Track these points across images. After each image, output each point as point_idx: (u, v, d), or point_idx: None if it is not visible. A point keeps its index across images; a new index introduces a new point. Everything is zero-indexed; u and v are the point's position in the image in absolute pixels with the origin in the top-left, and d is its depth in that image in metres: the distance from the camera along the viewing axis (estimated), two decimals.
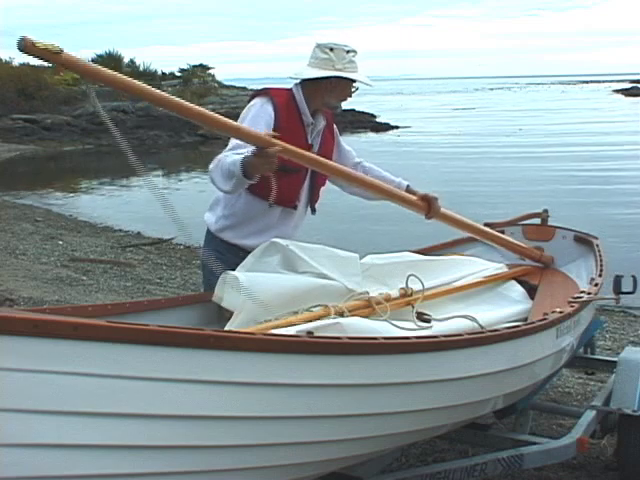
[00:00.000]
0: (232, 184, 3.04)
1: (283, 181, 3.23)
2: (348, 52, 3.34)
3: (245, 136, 2.93)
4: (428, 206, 3.59)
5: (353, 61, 3.37)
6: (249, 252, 3.26)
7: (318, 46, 3.36)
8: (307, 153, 3.16)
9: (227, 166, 3.03)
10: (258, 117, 3.25)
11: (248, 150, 2.97)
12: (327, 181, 3.59)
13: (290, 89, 3.42)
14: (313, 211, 3.60)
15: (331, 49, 3.33)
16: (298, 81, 3.42)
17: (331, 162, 3.34)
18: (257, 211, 3.38)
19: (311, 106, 3.39)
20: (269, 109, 3.26)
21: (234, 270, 3.07)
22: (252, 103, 3.34)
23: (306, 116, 3.37)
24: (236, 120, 3.31)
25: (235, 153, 3.08)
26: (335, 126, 3.66)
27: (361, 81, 3.40)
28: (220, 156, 3.14)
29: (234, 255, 3.34)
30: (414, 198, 3.58)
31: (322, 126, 3.48)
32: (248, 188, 3.28)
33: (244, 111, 3.34)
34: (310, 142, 3.41)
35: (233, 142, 3.19)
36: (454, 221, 3.86)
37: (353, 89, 3.44)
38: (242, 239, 3.42)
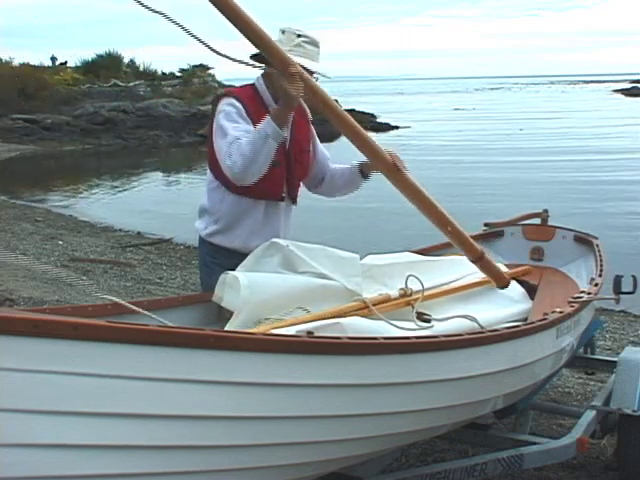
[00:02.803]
0: (266, 148, 3.05)
1: (266, 175, 3.24)
2: (299, 36, 3.25)
3: (267, 47, 2.89)
4: (394, 161, 3.26)
5: (302, 46, 3.26)
6: (241, 254, 3.28)
7: (279, 30, 3.33)
8: (321, 89, 3.07)
9: (251, 137, 3.07)
10: (232, 114, 3.24)
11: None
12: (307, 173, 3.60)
13: (252, 84, 3.42)
14: (294, 202, 3.55)
15: (283, 32, 3.29)
16: (261, 73, 3.39)
17: (340, 110, 3.15)
18: (243, 209, 3.38)
19: (275, 96, 3.31)
20: (238, 104, 3.25)
21: (223, 269, 3.08)
22: (220, 107, 3.29)
23: (272, 107, 3.29)
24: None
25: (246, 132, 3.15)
26: (308, 112, 3.60)
27: (301, 65, 3.16)
28: (232, 145, 3.13)
29: (227, 258, 3.35)
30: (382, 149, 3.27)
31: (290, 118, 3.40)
32: (231, 188, 3.31)
33: (216, 116, 3.28)
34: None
35: (232, 134, 3.17)
36: (417, 194, 3.31)
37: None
38: (232, 242, 3.41)
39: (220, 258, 3.41)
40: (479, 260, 3.59)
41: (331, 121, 3.14)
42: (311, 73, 3.19)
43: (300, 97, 2.99)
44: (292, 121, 3.42)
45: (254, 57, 3.29)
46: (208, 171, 3.48)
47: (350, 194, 3.81)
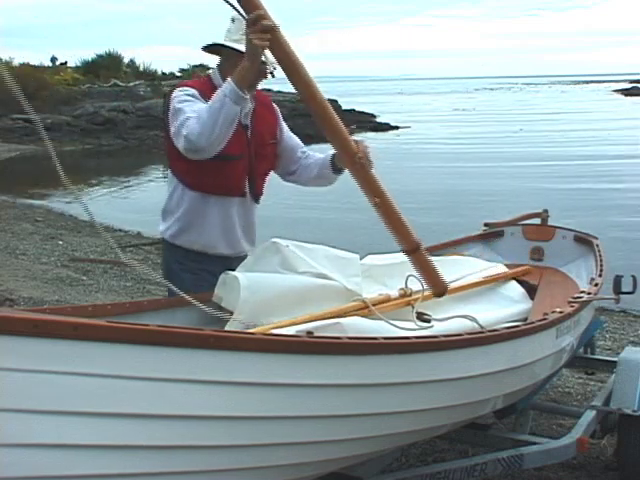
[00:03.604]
0: (225, 109, 2.83)
1: (226, 169, 3.16)
2: None
3: None
4: (357, 146, 2.99)
5: None
6: (207, 256, 3.25)
7: (230, 19, 3.17)
8: (291, 50, 2.72)
9: (210, 104, 2.88)
10: (187, 97, 3.08)
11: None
12: (271, 171, 3.46)
13: (208, 76, 3.30)
14: (256, 201, 3.41)
15: (233, 20, 3.13)
16: (217, 65, 3.28)
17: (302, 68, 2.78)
18: (203, 206, 3.25)
19: None
20: (192, 91, 3.12)
21: (197, 277, 3.06)
22: (173, 95, 3.14)
23: None
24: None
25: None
26: (277, 109, 3.50)
27: (234, 48, 3.04)
28: (190, 117, 2.94)
29: (193, 261, 3.28)
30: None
31: (249, 108, 3.26)
32: (188, 184, 3.21)
33: (170, 104, 3.10)
34: (244, 123, 3.24)
35: (187, 110, 3.00)
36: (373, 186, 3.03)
37: (267, 68, 3.07)
38: (196, 241, 3.29)
39: (188, 263, 3.30)
40: (412, 252, 3.14)
41: (296, 88, 2.80)
42: (265, 64, 3.00)
43: (264, 48, 2.70)
44: (253, 112, 3.30)
45: (207, 48, 3.21)
46: (169, 170, 3.36)
47: (325, 186, 3.57)
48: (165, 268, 3.48)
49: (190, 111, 2.99)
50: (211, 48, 3.26)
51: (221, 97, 2.86)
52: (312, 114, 2.84)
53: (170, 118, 3.09)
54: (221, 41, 3.18)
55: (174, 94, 3.14)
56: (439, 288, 3.23)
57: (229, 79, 2.88)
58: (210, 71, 3.33)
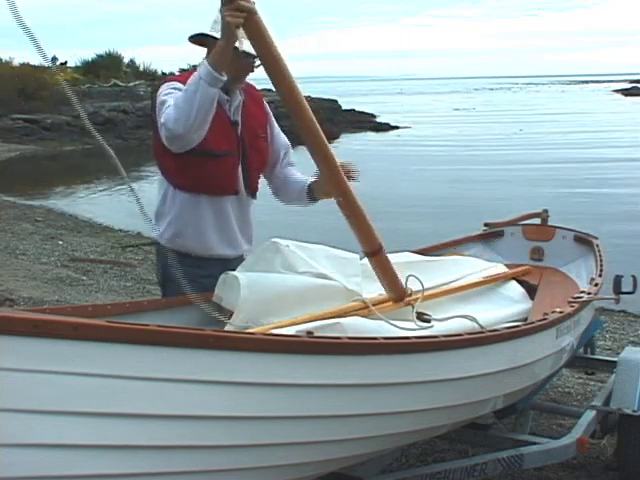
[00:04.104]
0: (200, 92, 2.77)
1: (215, 166, 3.10)
2: None
3: None
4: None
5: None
6: (206, 259, 3.20)
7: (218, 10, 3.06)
8: (266, 30, 2.58)
9: (186, 88, 2.82)
10: (173, 90, 3.02)
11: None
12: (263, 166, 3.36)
13: (194, 70, 3.16)
14: (253, 196, 3.32)
15: (221, 11, 3.03)
16: (204, 58, 3.17)
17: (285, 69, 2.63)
18: (196, 207, 3.17)
19: None
20: (179, 85, 3.05)
21: (196, 284, 3.04)
22: (160, 90, 3.08)
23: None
24: None
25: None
26: (267, 105, 3.43)
27: (243, 50, 2.94)
28: (170, 106, 2.90)
29: (191, 266, 3.11)
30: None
31: (239, 101, 3.21)
32: (178, 184, 3.14)
33: (157, 99, 3.04)
34: (233, 118, 3.19)
35: (170, 100, 2.96)
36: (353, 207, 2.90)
37: (254, 62, 3.00)
38: (194, 245, 3.21)
39: (185, 268, 3.02)
40: (374, 255, 3.01)
41: (272, 79, 2.63)
42: (253, 57, 2.93)
43: (238, 26, 2.59)
44: (243, 106, 3.24)
45: (192, 39, 3.17)
46: (158, 171, 3.27)
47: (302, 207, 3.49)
48: (161, 272, 3.36)
49: (171, 101, 2.94)
50: (196, 39, 3.20)
51: (196, 80, 2.80)
52: (286, 108, 2.72)
53: (157, 113, 3.04)
54: (207, 31, 3.12)
55: (160, 89, 3.10)
56: (398, 293, 3.15)
57: (204, 61, 2.82)
58: (198, 66, 3.24)
